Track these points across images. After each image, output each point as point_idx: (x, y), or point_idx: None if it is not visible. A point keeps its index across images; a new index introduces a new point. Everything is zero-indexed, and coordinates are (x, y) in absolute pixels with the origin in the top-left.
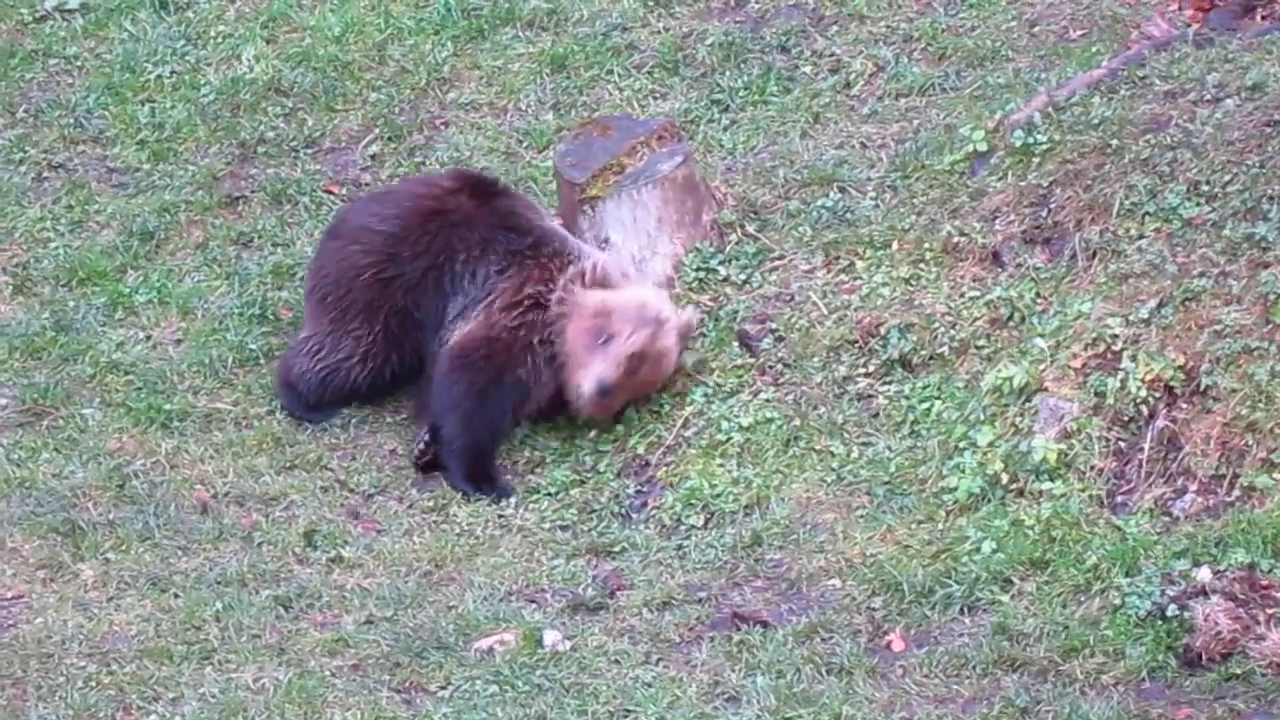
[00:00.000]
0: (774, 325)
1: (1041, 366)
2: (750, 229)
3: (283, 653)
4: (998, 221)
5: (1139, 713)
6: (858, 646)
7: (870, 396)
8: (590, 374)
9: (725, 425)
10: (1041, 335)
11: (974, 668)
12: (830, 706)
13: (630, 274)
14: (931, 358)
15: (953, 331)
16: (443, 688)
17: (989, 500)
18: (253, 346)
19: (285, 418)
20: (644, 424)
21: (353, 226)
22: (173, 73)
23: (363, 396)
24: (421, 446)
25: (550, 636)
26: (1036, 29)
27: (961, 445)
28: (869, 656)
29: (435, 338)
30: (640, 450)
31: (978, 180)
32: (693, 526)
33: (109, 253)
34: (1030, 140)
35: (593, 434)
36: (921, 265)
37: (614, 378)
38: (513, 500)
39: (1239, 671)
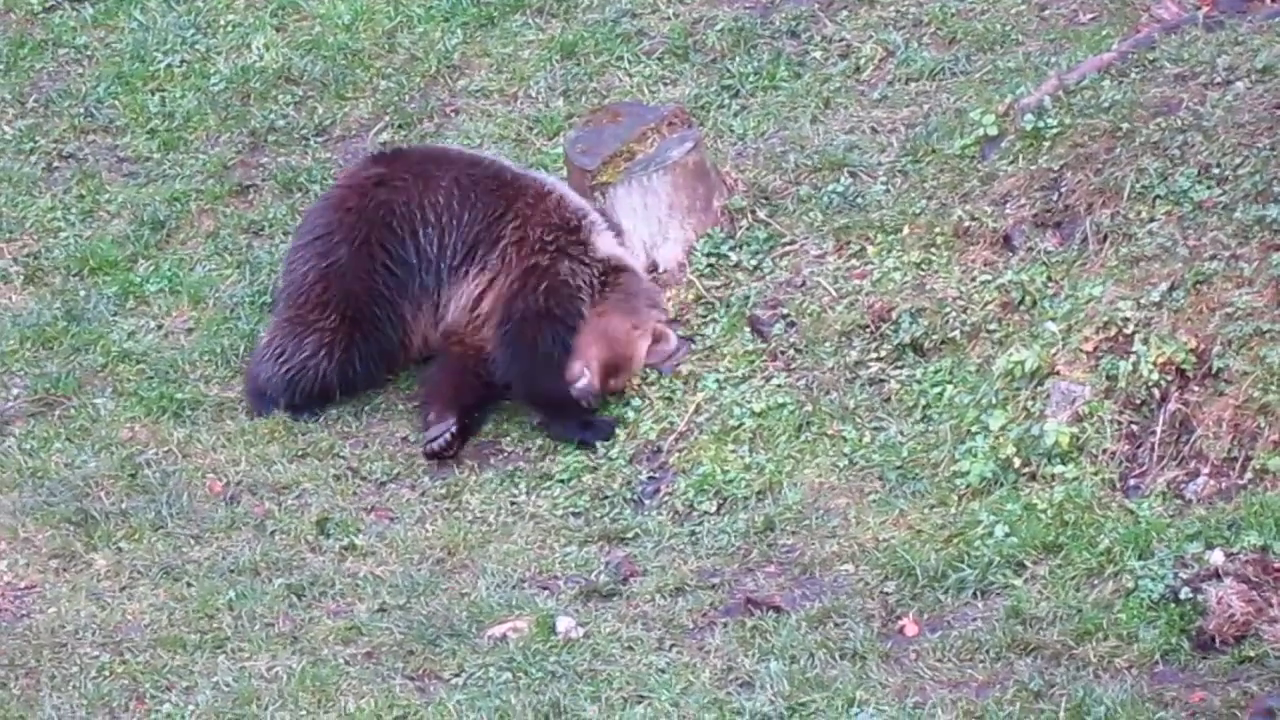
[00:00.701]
0: (785, 310)
1: (1053, 350)
2: (761, 214)
3: (296, 641)
4: (1008, 205)
5: (1152, 696)
6: (871, 631)
7: (882, 381)
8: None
9: (737, 411)
10: (1053, 319)
11: (987, 652)
12: (844, 691)
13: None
14: (943, 342)
15: (964, 316)
16: (456, 675)
17: (1001, 484)
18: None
19: None
20: (656, 410)
21: (300, 230)
22: (183, 62)
23: (335, 392)
24: (446, 439)
25: (563, 623)
26: (1046, 13)
27: (973, 429)
28: (882, 641)
29: (416, 305)
30: (652, 436)
31: (988, 164)
32: (705, 512)
33: (120, 242)
34: (1041, 124)
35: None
36: (932, 250)
37: (597, 387)
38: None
39: (1252, 654)
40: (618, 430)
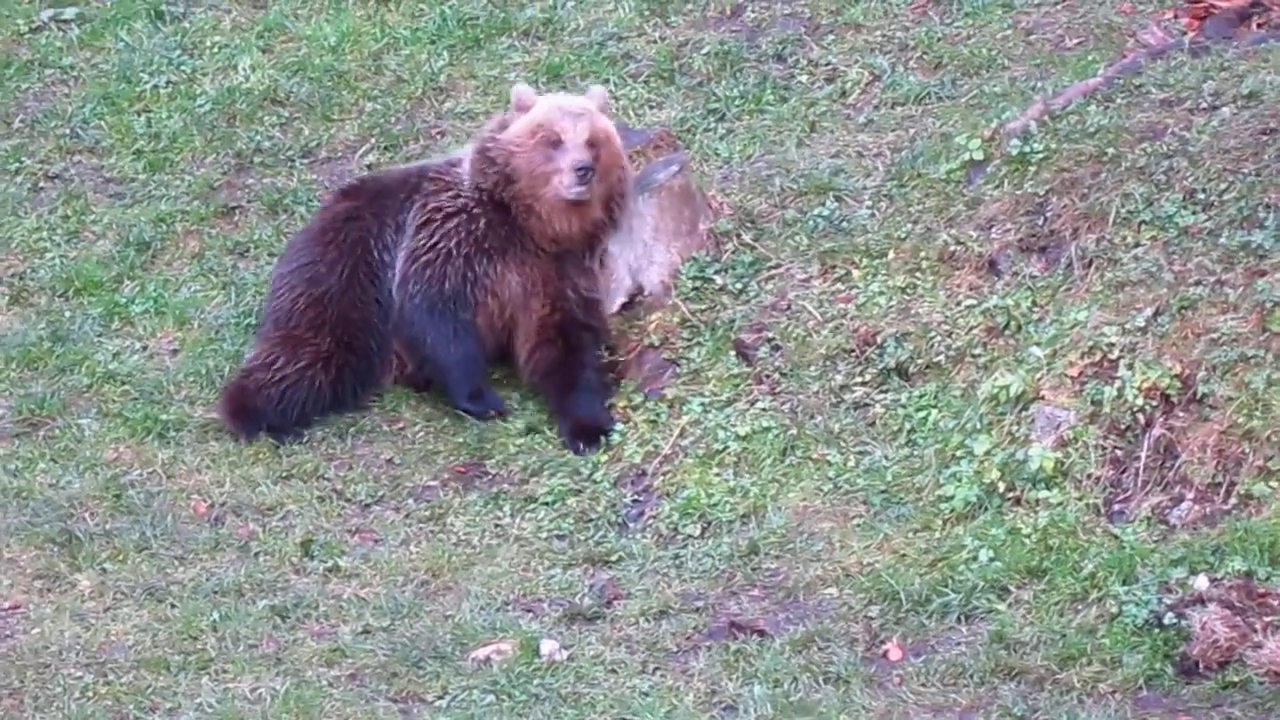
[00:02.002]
0: (770, 334)
1: (1038, 375)
2: (746, 238)
3: (280, 663)
4: (994, 230)
5: None
6: (855, 655)
7: (867, 405)
8: (562, 170)
9: (722, 434)
10: (1038, 344)
11: (971, 676)
12: (827, 715)
13: (528, 96)
14: (928, 366)
15: (949, 340)
16: (440, 697)
17: (986, 509)
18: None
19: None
20: (641, 433)
21: (286, 255)
22: (169, 83)
23: (327, 405)
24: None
25: (547, 646)
26: (1032, 37)
27: (958, 454)
28: (866, 665)
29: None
30: (637, 459)
31: (974, 189)
32: (689, 536)
33: (105, 263)
34: (1026, 149)
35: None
36: (918, 274)
37: (588, 157)
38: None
39: (1236, 680)
40: (510, 420)
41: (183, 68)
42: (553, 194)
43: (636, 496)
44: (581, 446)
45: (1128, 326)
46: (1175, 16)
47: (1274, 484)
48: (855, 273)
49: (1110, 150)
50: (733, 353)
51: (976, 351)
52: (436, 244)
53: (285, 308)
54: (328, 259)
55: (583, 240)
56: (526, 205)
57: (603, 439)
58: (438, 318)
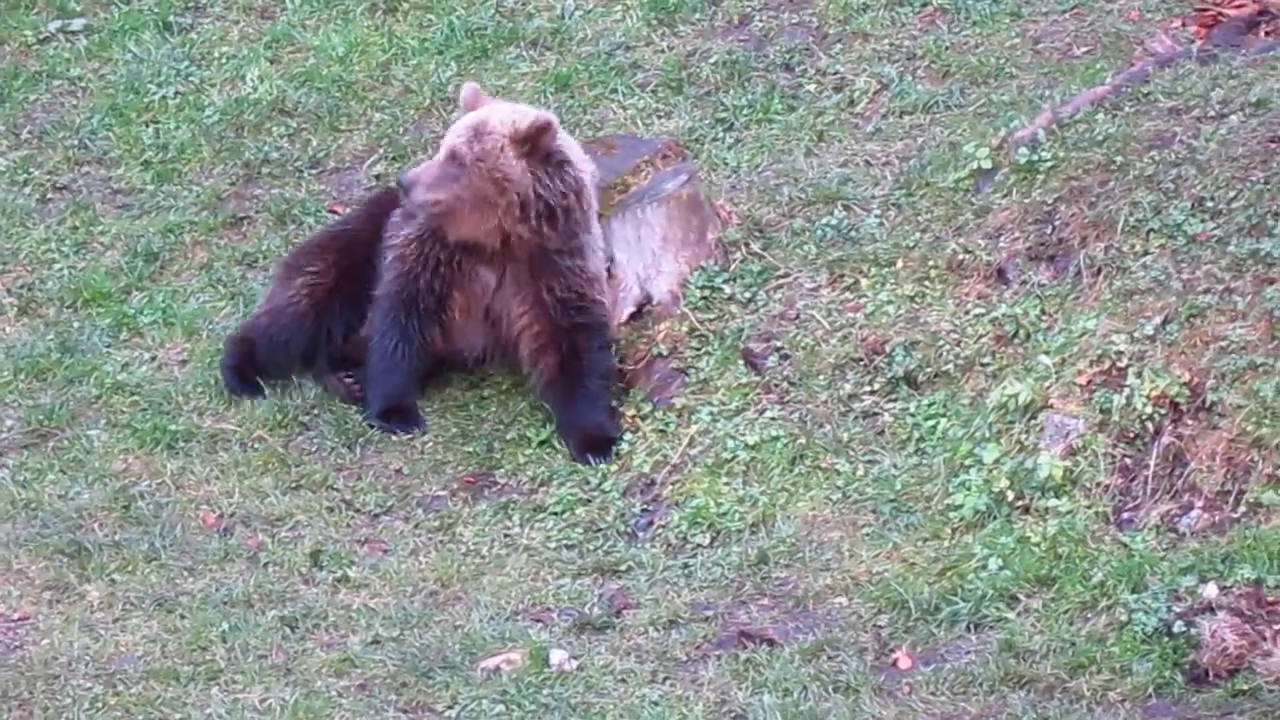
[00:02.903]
0: (779, 343)
1: (1047, 384)
2: (755, 247)
3: (289, 673)
4: (1002, 239)
5: None
6: (864, 664)
7: (875, 414)
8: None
9: (731, 444)
10: (1047, 352)
11: (981, 685)
12: None
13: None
14: (937, 375)
15: (958, 349)
16: (449, 707)
17: (995, 517)
18: None
19: (289, 439)
20: (649, 443)
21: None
22: (177, 93)
23: (307, 343)
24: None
25: (556, 656)
26: (1040, 46)
27: (967, 462)
28: (876, 674)
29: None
30: (646, 469)
31: (982, 198)
32: (699, 545)
33: (113, 274)
34: (1035, 157)
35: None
36: (926, 283)
37: (423, 175)
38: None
39: (1246, 688)
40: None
41: (190, 78)
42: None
43: (645, 506)
44: (590, 459)
45: (1136, 335)
46: (1183, 24)
47: None
48: (864, 282)
49: (1118, 158)
50: (741, 362)
51: (985, 360)
52: (409, 234)
53: (301, 246)
54: (354, 215)
55: (511, 250)
56: None
57: (612, 449)
58: (391, 323)
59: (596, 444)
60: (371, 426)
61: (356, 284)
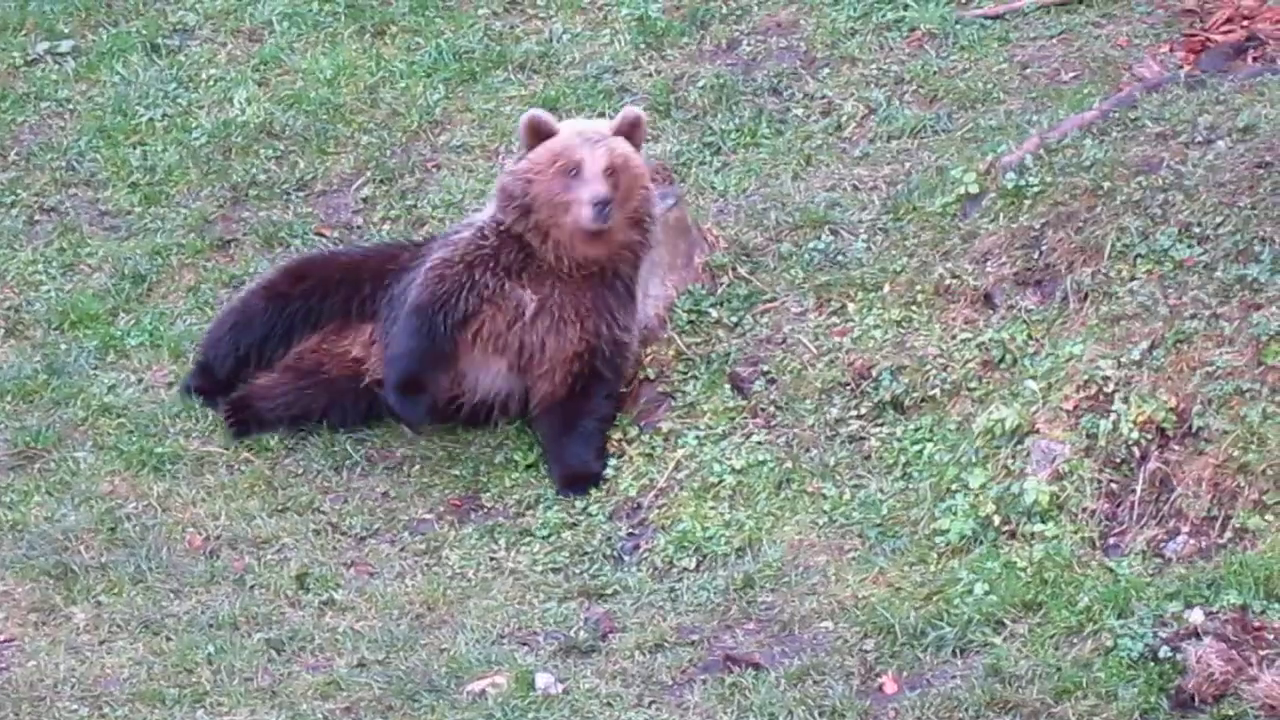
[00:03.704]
0: (766, 367)
1: (1033, 408)
2: (742, 271)
3: (275, 696)
4: (989, 263)
5: None
6: (850, 689)
7: (862, 439)
8: (581, 201)
9: (717, 468)
10: (1033, 377)
11: (966, 710)
12: None
13: (547, 121)
14: (923, 400)
15: (944, 374)
16: None
17: (981, 542)
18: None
19: (276, 462)
20: (636, 466)
21: None
22: (164, 116)
23: (259, 335)
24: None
25: (542, 679)
26: (1028, 71)
27: (953, 487)
28: (861, 699)
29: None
30: (632, 493)
31: (969, 222)
32: (685, 569)
33: (101, 296)
34: (1022, 182)
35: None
36: (913, 307)
37: (605, 191)
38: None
39: (1231, 713)
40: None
41: (178, 101)
42: (572, 223)
43: (632, 530)
44: (570, 493)
45: (1123, 360)
46: (1171, 50)
47: (1269, 517)
48: (850, 306)
49: (1106, 184)
50: (728, 386)
51: (972, 385)
52: (445, 256)
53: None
54: (353, 250)
55: (613, 261)
56: (545, 232)
57: (590, 489)
58: (415, 316)
59: (579, 480)
60: (389, 407)
61: (321, 302)
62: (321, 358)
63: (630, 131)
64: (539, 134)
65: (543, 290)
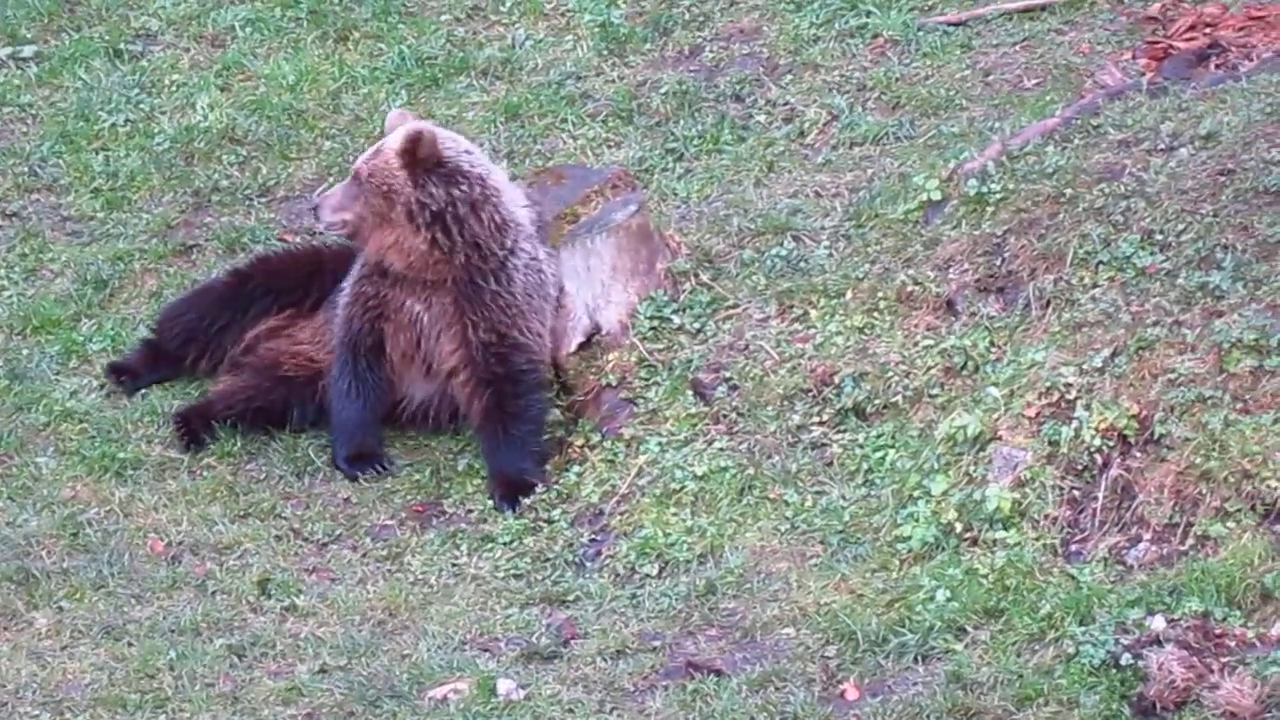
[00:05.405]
0: (728, 374)
1: (995, 415)
2: (704, 278)
3: (236, 701)
4: (951, 270)
5: None
6: (812, 695)
7: (824, 445)
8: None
9: (679, 474)
10: (995, 384)
11: (928, 717)
12: None
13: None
14: (885, 406)
15: (907, 380)
16: None
17: (943, 549)
18: None
19: (238, 467)
20: (598, 473)
21: None
22: (127, 121)
23: (215, 308)
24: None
25: (504, 685)
26: (990, 78)
27: (915, 494)
28: (823, 705)
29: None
30: (594, 499)
31: (931, 229)
32: (647, 575)
33: (63, 301)
34: (984, 189)
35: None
36: (875, 314)
37: (329, 197)
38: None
39: None
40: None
41: (141, 106)
42: None
43: (594, 536)
44: (505, 507)
45: (1085, 367)
46: (1133, 57)
47: (1231, 525)
48: (813, 313)
49: (1068, 191)
50: (690, 392)
51: (934, 392)
52: (353, 276)
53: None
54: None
55: (423, 269)
56: None
57: (521, 499)
58: (342, 366)
59: (514, 489)
60: (340, 473)
61: (280, 283)
62: (279, 355)
63: (411, 146)
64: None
65: (424, 298)
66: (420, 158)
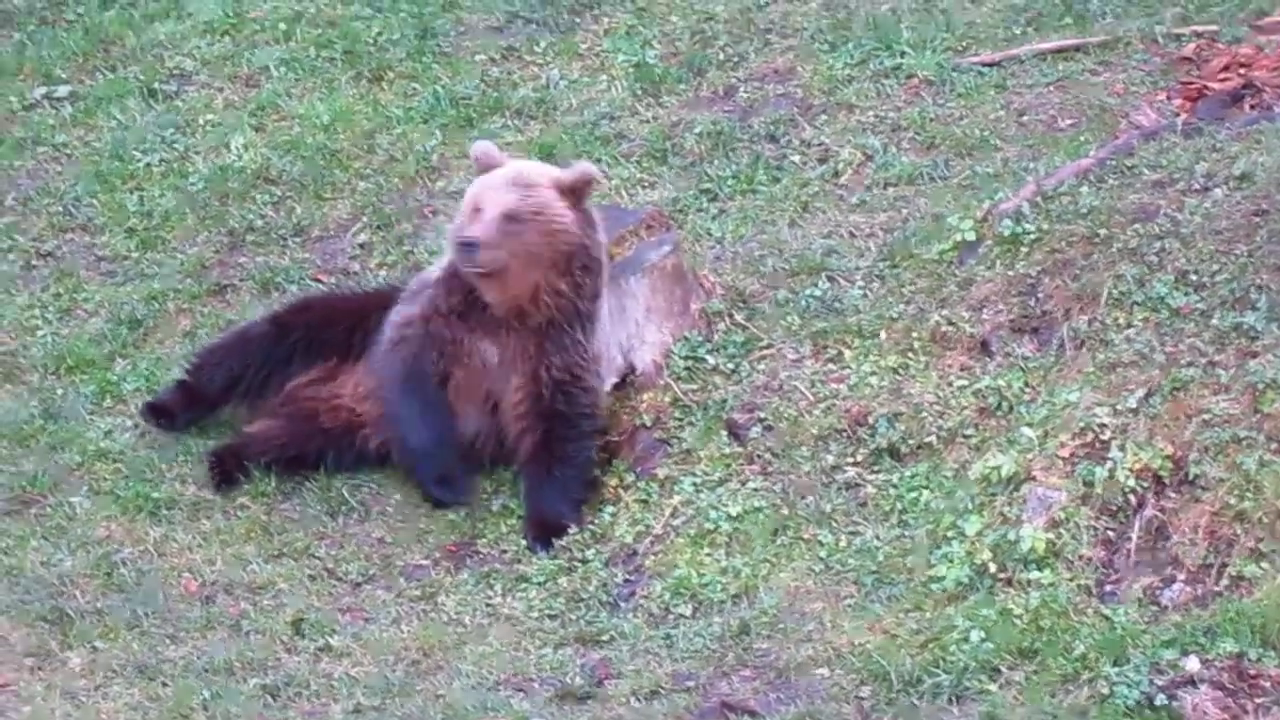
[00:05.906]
0: (762, 414)
1: (1029, 456)
2: (739, 318)
3: None
4: (986, 311)
5: None
6: None
7: (858, 486)
8: (451, 242)
9: (713, 514)
10: (1029, 425)
11: None
12: None
13: (491, 153)
14: (919, 447)
15: (941, 421)
16: None
17: (977, 589)
18: None
19: (271, 507)
20: (632, 513)
21: None
22: (161, 161)
23: (258, 358)
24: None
25: None
26: (1025, 118)
27: (949, 534)
28: None
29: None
30: (628, 539)
31: (966, 269)
32: (681, 615)
33: (97, 341)
34: (1018, 229)
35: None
36: (910, 354)
37: (475, 232)
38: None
39: None
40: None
41: (175, 146)
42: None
43: (628, 576)
44: (537, 548)
45: (1119, 407)
46: (1168, 98)
47: (1265, 565)
48: (847, 353)
49: (1102, 231)
50: (724, 432)
51: (968, 432)
52: (408, 312)
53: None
54: (358, 292)
55: (542, 309)
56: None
57: (555, 541)
58: (407, 394)
59: (548, 530)
60: (434, 504)
61: (323, 334)
62: (317, 405)
63: (581, 187)
64: (486, 169)
65: (498, 338)
66: (584, 200)
